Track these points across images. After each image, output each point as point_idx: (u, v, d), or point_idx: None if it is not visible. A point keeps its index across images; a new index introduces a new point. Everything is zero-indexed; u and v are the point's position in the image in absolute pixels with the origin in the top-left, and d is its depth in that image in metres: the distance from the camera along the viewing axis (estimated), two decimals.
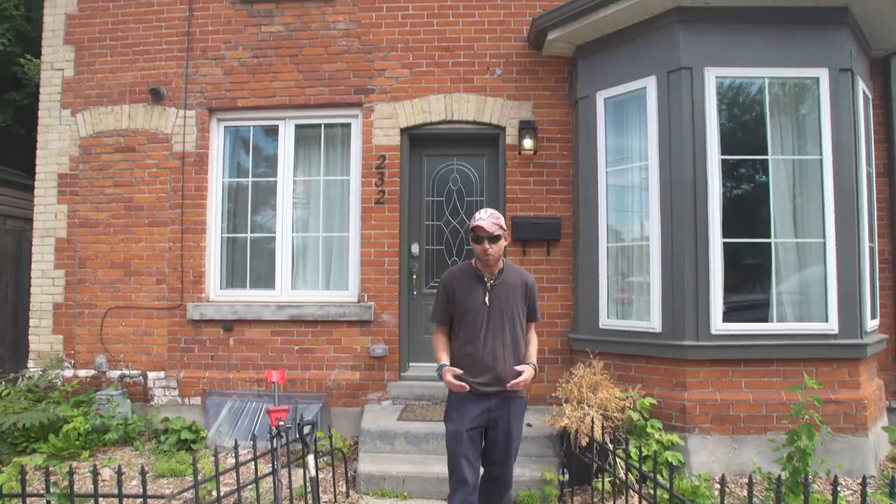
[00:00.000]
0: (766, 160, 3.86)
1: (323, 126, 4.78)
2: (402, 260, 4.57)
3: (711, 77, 3.81)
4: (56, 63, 4.93)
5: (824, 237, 3.77)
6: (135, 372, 4.64)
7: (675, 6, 3.83)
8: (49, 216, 4.86)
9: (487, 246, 2.42)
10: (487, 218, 2.43)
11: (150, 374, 4.65)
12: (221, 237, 4.86)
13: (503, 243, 2.49)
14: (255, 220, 4.89)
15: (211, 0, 4.77)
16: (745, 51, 3.84)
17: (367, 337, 4.51)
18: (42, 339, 4.80)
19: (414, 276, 4.67)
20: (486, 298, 2.48)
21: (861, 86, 4.10)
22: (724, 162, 3.80)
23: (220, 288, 4.83)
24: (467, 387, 2.39)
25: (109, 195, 4.80)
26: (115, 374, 4.62)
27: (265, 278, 4.79)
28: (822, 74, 3.83)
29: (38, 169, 4.90)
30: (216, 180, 4.83)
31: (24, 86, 6.50)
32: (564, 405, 3.47)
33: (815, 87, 3.86)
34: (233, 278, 4.89)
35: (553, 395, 3.84)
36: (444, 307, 2.56)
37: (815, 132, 3.82)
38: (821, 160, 3.83)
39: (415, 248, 4.66)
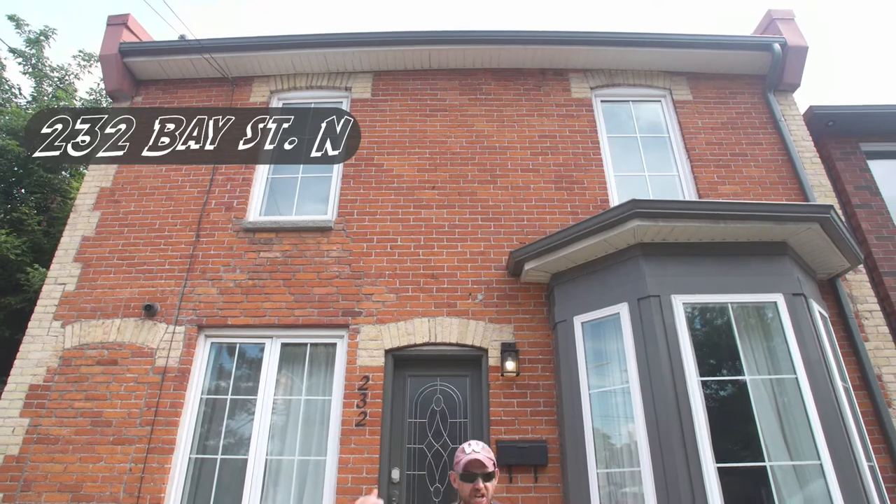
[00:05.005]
0: (745, 380, 3.91)
1: (309, 345, 4.85)
2: (381, 488, 4.23)
3: (679, 303, 4.05)
4: (60, 278, 5.13)
5: (819, 458, 3.64)
6: None
7: (637, 242, 4.26)
8: (6, 430, 4.54)
9: (482, 485, 2.01)
10: (482, 451, 2.07)
11: None
12: (189, 458, 4.52)
13: (496, 483, 2.08)
14: (228, 440, 4.62)
15: (217, 228, 5.23)
16: (706, 279, 4.15)
17: None
18: None
19: None
20: None
21: (816, 307, 4.38)
22: (703, 384, 3.84)
23: None
24: None
25: (78, 409, 4.58)
26: None
27: None
28: (779, 299, 4.10)
29: (10, 380, 4.74)
30: (194, 396, 4.69)
31: (24, 291, 6.69)
32: None
33: (774, 310, 4.10)
34: None
35: None
36: None
37: (785, 351, 3.95)
38: (796, 378, 3.89)
39: (395, 474, 4.36)
